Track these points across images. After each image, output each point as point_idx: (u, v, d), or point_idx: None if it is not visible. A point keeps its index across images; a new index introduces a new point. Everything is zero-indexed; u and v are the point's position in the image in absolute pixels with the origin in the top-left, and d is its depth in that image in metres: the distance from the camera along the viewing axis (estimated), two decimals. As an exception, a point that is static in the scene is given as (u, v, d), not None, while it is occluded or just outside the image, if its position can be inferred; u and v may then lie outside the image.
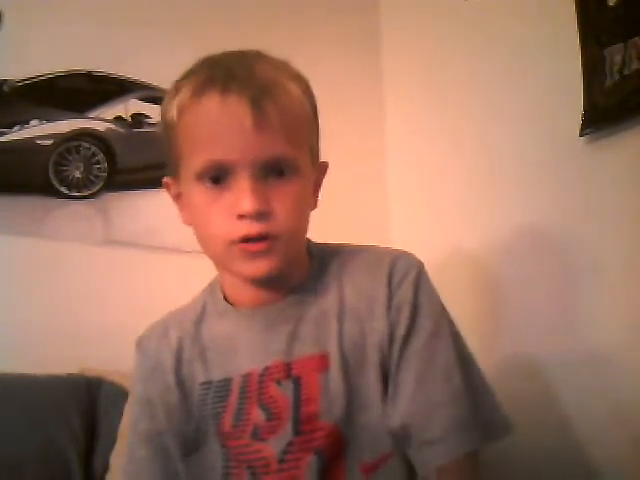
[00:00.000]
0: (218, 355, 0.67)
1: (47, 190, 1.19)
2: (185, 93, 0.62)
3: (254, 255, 0.61)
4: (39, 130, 1.19)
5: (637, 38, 0.84)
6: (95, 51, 1.25)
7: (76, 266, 1.19)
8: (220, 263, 0.67)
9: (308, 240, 0.71)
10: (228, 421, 0.64)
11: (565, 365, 0.97)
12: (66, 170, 1.21)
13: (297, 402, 0.62)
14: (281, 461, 0.61)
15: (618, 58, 0.87)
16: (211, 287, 0.73)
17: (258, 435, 0.62)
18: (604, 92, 0.90)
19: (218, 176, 0.60)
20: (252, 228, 0.59)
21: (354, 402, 0.62)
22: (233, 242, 0.60)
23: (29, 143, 1.19)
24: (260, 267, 0.61)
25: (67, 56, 1.23)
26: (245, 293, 0.68)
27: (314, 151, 0.68)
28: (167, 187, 0.70)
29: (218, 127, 0.60)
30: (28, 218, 1.18)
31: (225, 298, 0.70)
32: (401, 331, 0.63)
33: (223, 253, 0.62)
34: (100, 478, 0.96)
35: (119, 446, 0.93)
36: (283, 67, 0.64)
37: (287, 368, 0.63)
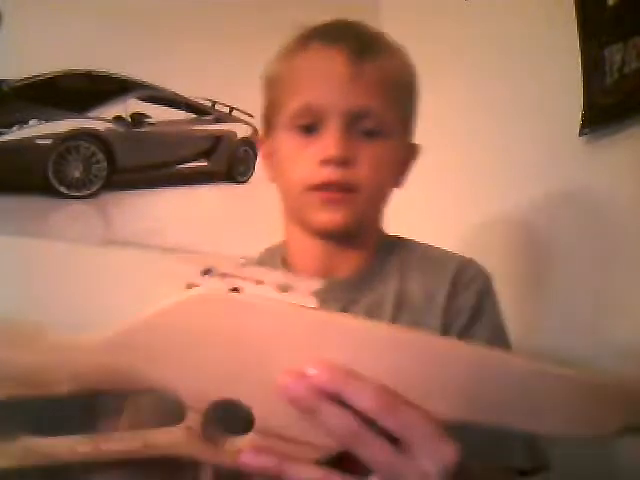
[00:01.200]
0: None
1: (46, 190, 1.19)
2: (291, 45, 0.64)
3: (331, 204, 0.60)
4: (38, 130, 1.20)
5: (637, 37, 0.84)
6: (95, 51, 1.25)
7: (75, 266, 1.19)
8: (294, 213, 0.65)
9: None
10: None
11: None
12: (65, 170, 1.21)
13: None
14: None
15: (618, 57, 0.87)
16: (269, 251, 0.72)
17: None
18: (604, 91, 0.90)
19: (309, 125, 0.61)
20: (333, 174, 0.59)
21: None
22: (311, 187, 0.60)
23: (28, 143, 1.19)
24: (335, 217, 0.60)
25: (67, 56, 1.23)
26: (308, 256, 0.66)
27: (407, 126, 0.67)
28: (259, 145, 0.71)
29: (316, 73, 0.61)
30: (27, 218, 1.18)
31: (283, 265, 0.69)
32: (455, 334, 0.61)
33: (299, 200, 0.62)
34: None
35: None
36: (393, 42, 0.66)
37: None
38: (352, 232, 0.63)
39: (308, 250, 0.66)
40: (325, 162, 0.59)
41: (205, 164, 1.36)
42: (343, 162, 0.59)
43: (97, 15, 1.25)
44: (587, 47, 0.94)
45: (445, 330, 0.62)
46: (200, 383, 0.34)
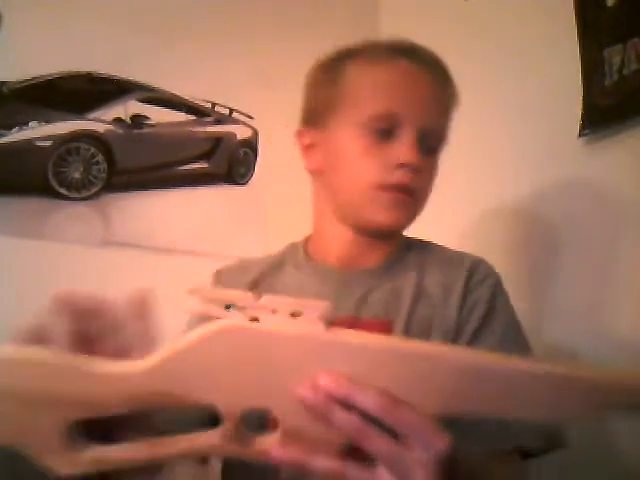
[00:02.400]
0: None
1: (46, 191, 1.19)
2: (372, 54, 0.71)
3: (395, 204, 0.67)
4: (38, 131, 1.19)
5: (636, 39, 0.84)
6: (95, 52, 1.25)
7: (75, 267, 1.19)
8: (348, 208, 0.71)
9: None
10: None
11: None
12: (65, 171, 1.21)
13: None
14: None
15: (617, 59, 0.87)
16: (293, 245, 0.78)
17: None
18: (603, 92, 0.90)
19: (384, 130, 0.67)
20: (407, 178, 0.66)
21: None
22: (380, 187, 0.66)
23: (28, 144, 1.18)
24: (396, 216, 0.68)
25: (67, 57, 1.23)
26: (337, 246, 0.72)
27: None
28: (299, 136, 0.75)
29: (403, 86, 0.68)
30: (27, 219, 1.17)
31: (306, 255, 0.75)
32: (470, 329, 0.65)
33: (359, 197, 0.68)
34: None
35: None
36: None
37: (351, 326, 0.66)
38: (398, 231, 0.71)
39: (338, 239, 0.72)
40: (402, 166, 0.66)
41: (205, 166, 1.36)
42: (417, 169, 0.66)
43: (97, 16, 1.25)
44: (587, 48, 0.94)
45: (461, 324, 0.65)
46: (233, 397, 0.41)
